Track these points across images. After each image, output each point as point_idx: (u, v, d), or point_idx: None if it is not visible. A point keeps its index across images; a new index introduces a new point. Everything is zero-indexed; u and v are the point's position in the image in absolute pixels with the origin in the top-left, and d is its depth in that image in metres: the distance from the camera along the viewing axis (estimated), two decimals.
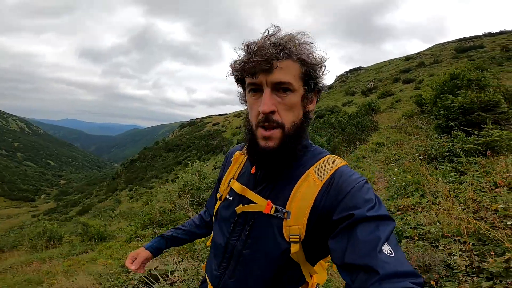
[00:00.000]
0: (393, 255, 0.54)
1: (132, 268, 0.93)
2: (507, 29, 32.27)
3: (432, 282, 1.40)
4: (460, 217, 1.73)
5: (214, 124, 57.35)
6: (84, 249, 6.52)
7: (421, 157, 3.36)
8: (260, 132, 0.68)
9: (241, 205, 0.75)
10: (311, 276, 0.75)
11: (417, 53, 34.98)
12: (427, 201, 2.43)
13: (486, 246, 1.46)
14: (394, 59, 39.08)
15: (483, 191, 2.21)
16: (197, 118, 76.07)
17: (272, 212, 0.68)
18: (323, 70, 0.70)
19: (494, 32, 33.20)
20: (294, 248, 0.66)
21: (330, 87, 38.74)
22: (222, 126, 52.07)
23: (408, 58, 34.27)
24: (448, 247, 1.59)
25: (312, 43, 0.68)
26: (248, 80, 0.68)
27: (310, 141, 0.78)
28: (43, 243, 7.17)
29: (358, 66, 41.03)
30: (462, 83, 6.43)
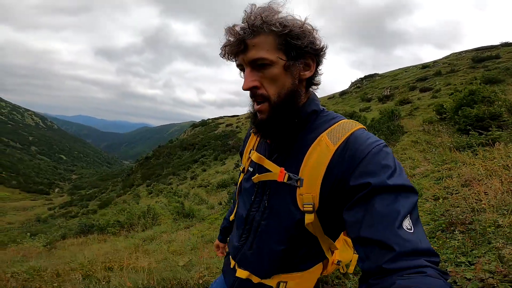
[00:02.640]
0: (412, 231, 0.51)
1: (220, 255, 1.15)
2: None
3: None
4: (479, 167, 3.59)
5: (227, 125, 58.96)
6: (187, 225, 7.32)
7: (451, 145, 5.13)
8: (255, 106, 0.71)
9: (257, 174, 0.75)
10: (332, 252, 0.74)
11: (434, 62, 35.38)
12: (459, 165, 4.21)
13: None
14: (410, 66, 39.60)
15: (488, 159, 4.20)
16: (209, 119, 78.04)
17: (285, 180, 0.68)
18: (307, 33, 0.66)
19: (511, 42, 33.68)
20: (309, 218, 0.65)
21: (345, 92, 39.86)
22: (236, 127, 53.53)
23: (424, 66, 34.69)
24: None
25: (281, 12, 0.66)
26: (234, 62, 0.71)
27: (323, 107, 0.76)
28: (150, 220, 8.05)
29: (373, 73, 41.84)
30: (477, 98, 8.39)
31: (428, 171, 4.55)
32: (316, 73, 0.72)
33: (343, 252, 0.77)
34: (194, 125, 79.78)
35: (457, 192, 3.12)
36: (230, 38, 0.67)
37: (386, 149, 0.61)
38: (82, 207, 37.93)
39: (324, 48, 0.70)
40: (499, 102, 7.78)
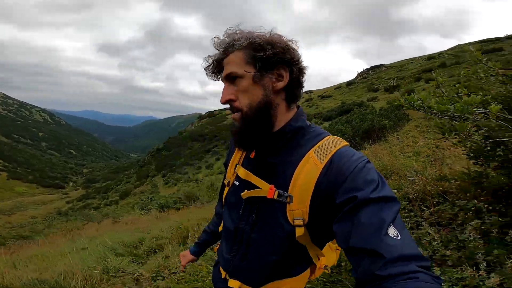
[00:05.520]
0: (399, 237, 0.54)
1: (183, 264, 1.15)
2: None
3: None
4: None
5: None
6: None
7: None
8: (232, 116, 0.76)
9: (246, 190, 0.76)
10: (319, 258, 0.78)
11: (439, 53, 36.26)
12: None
13: None
14: (416, 57, 40.54)
15: None
16: (215, 110, 79.48)
17: (275, 197, 0.70)
18: (274, 44, 0.69)
19: None
20: (299, 231, 0.68)
21: (352, 83, 41.10)
22: None
23: (430, 57, 35.48)
24: None
25: (251, 30, 0.73)
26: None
27: (309, 122, 0.77)
28: (213, 193, 9.61)
29: (379, 64, 42.87)
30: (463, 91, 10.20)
31: (425, 143, 6.30)
32: (293, 84, 0.73)
33: (328, 257, 0.81)
34: (201, 116, 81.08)
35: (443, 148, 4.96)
36: (208, 63, 0.77)
37: (368, 165, 0.65)
38: (103, 199, 39.84)
39: (297, 58, 0.72)
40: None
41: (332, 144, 0.69)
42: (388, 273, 0.50)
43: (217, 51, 0.75)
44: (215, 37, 0.75)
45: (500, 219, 1.88)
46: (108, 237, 4.47)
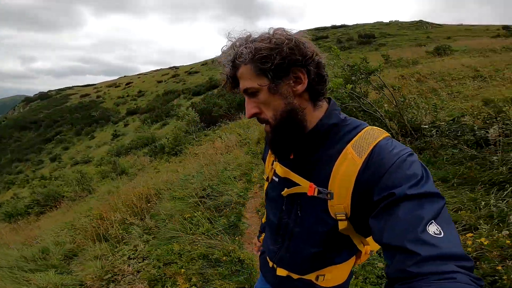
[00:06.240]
0: (441, 235, 0.50)
1: (255, 251, 1.17)
2: (346, 24, 44.05)
3: None
4: None
5: (82, 96, 50.83)
6: (130, 178, 7.89)
7: None
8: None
9: (286, 188, 0.77)
10: (364, 245, 0.77)
11: None
12: None
13: None
14: None
15: None
16: (50, 91, 64.71)
17: (315, 194, 0.69)
18: (281, 48, 0.63)
19: (337, 25, 44.26)
20: (342, 225, 0.68)
21: (217, 61, 42.76)
22: (98, 97, 47.18)
23: None
24: None
25: (250, 37, 0.68)
26: None
27: (344, 115, 0.75)
28: (87, 185, 8.03)
29: None
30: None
31: None
32: (314, 82, 0.69)
33: (372, 243, 0.77)
34: (28, 99, 63.41)
35: None
36: (224, 78, 0.74)
37: (410, 158, 0.61)
38: None
39: (310, 54, 0.66)
40: None
41: (370, 137, 0.66)
42: (421, 271, 0.48)
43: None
44: (217, 60, 0.75)
45: None
46: None
